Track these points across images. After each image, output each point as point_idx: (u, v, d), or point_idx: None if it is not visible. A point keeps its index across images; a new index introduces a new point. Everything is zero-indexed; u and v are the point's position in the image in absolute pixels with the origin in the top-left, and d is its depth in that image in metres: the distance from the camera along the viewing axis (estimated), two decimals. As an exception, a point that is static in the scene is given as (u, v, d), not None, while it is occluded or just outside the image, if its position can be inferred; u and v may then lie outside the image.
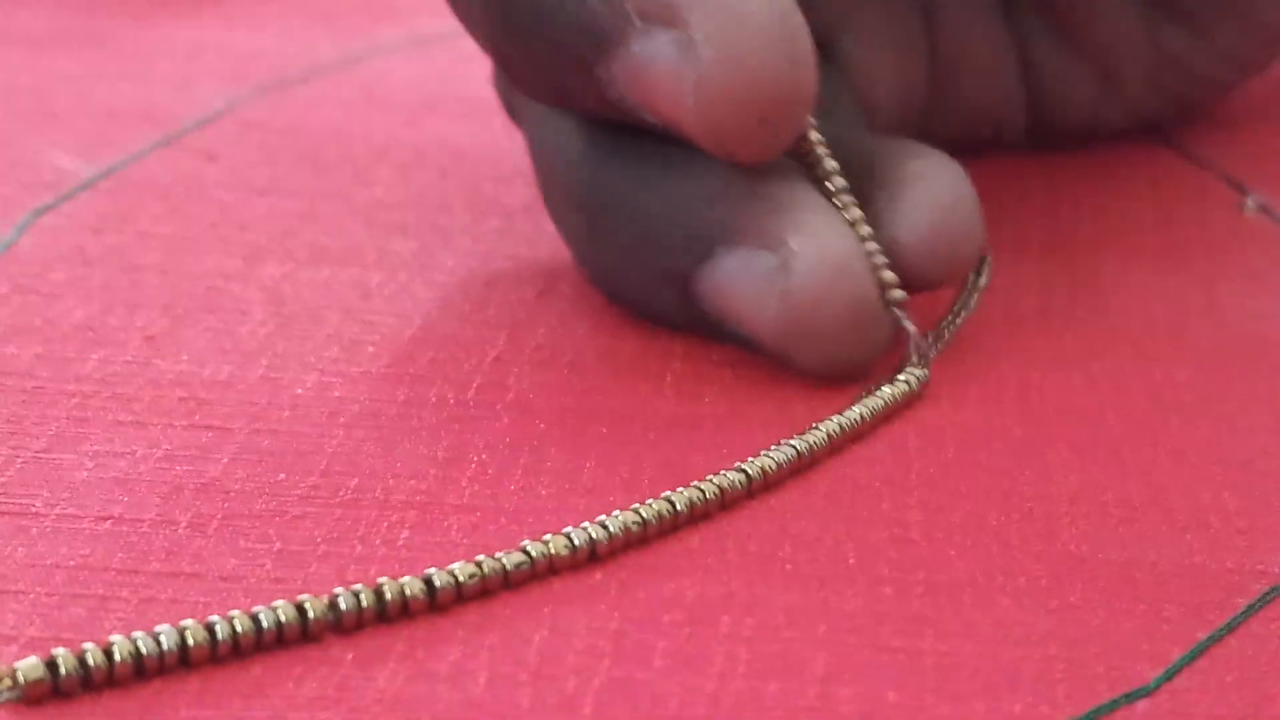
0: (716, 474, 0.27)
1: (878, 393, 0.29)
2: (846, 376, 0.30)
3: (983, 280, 0.33)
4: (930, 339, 0.31)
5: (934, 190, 0.30)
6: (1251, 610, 0.25)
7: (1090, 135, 0.39)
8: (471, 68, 0.40)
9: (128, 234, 0.34)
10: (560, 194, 0.32)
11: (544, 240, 0.35)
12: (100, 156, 0.38)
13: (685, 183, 0.30)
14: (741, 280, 0.29)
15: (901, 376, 0.30)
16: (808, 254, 0.29)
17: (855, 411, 0.29)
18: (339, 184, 0.37)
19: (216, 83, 0.41)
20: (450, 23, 0.32)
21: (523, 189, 0.37)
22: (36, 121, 0.39)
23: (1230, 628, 0.24)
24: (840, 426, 0.29)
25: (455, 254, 0.34)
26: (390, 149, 0.39)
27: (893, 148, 0.32)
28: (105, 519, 0.26)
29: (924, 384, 0.30)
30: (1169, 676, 0.23)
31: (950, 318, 0.32)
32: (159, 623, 0.23)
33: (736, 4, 0.28)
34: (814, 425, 0.28)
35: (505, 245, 0.35)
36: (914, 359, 0.30)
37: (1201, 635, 0.24)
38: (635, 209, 0.31)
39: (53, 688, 0.23)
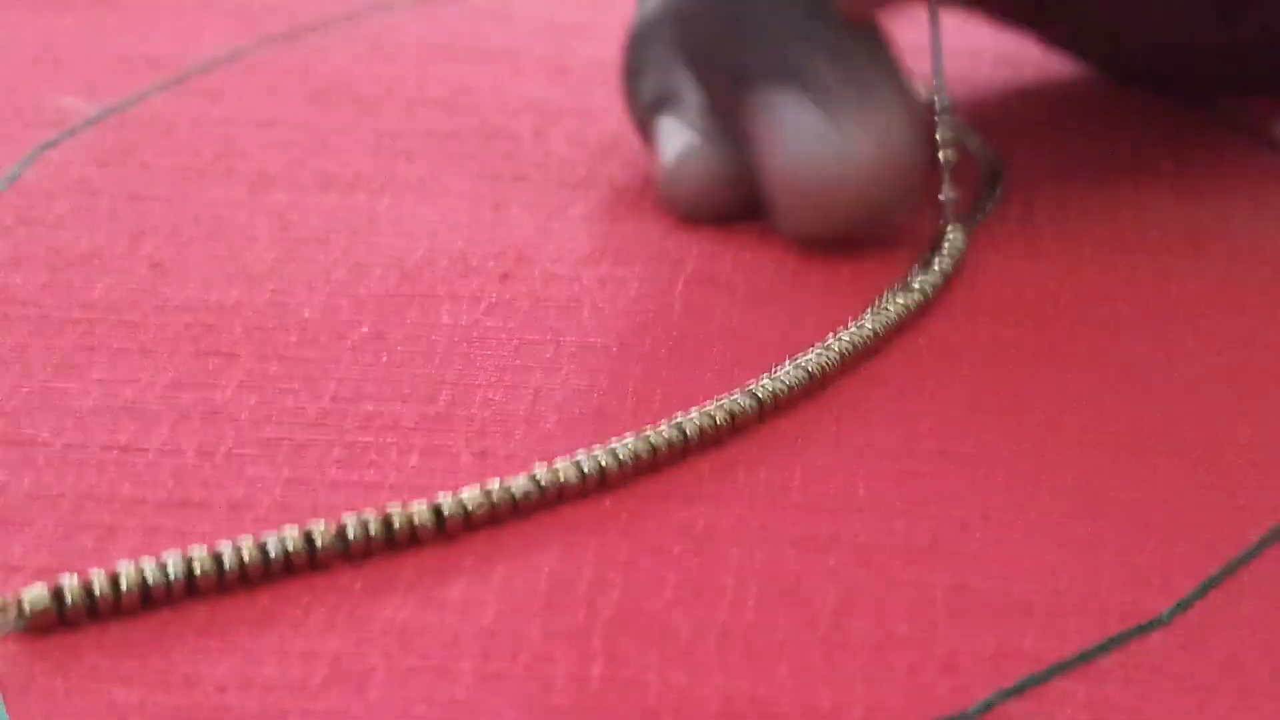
0: (727, 398, 0.27)
1: (888, 305, 0.29)
2: (814, 243, 0.31)
3: (997, 193, 0.32)
4: (944, 234, 0.31)
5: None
6: (1264, 544, 0.24)
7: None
8: (480, 22, 0.40)
9: (132, 166, 0.34)
10: None
11: (553, 164, 0.35)
12: (105, 99, 0.37)
13: (791, 9, 0.31)
14: (789, 125, 0.30)
15: (914, 283, 0.30)
16: (857, 145, 0.30)
17: (868, 326, 0.29)
18: (345, 118, 0.37)
19: (223, 34, 0.41)
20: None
21: (532, 118, 0.37)
22: (43, 70, 0.39)
23: (1243, 561, 0.24)
24: (853, 344, 0.28)
25: (463, 177, 0.34)
26: (397, 90, 0.38)
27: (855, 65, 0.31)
28: (111, 448, 0.26)
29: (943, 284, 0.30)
30: (1182, 609, 0.23)
31: (965, 226, 0.32)
32: (166, 552, 0.23)
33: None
34: (826, 343, 0.28)
35: (513, 167, 0.35)
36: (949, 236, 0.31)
37: (1214, 569, 0.24)
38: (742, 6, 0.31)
39: (59, 616, 0.23)
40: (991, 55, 0.39)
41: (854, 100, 0.30)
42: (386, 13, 0.43)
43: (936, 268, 0.30)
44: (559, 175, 0.34)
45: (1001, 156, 0.35)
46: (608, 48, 0.36)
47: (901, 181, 0.30)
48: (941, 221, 0.31)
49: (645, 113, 0.33)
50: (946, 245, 0.31)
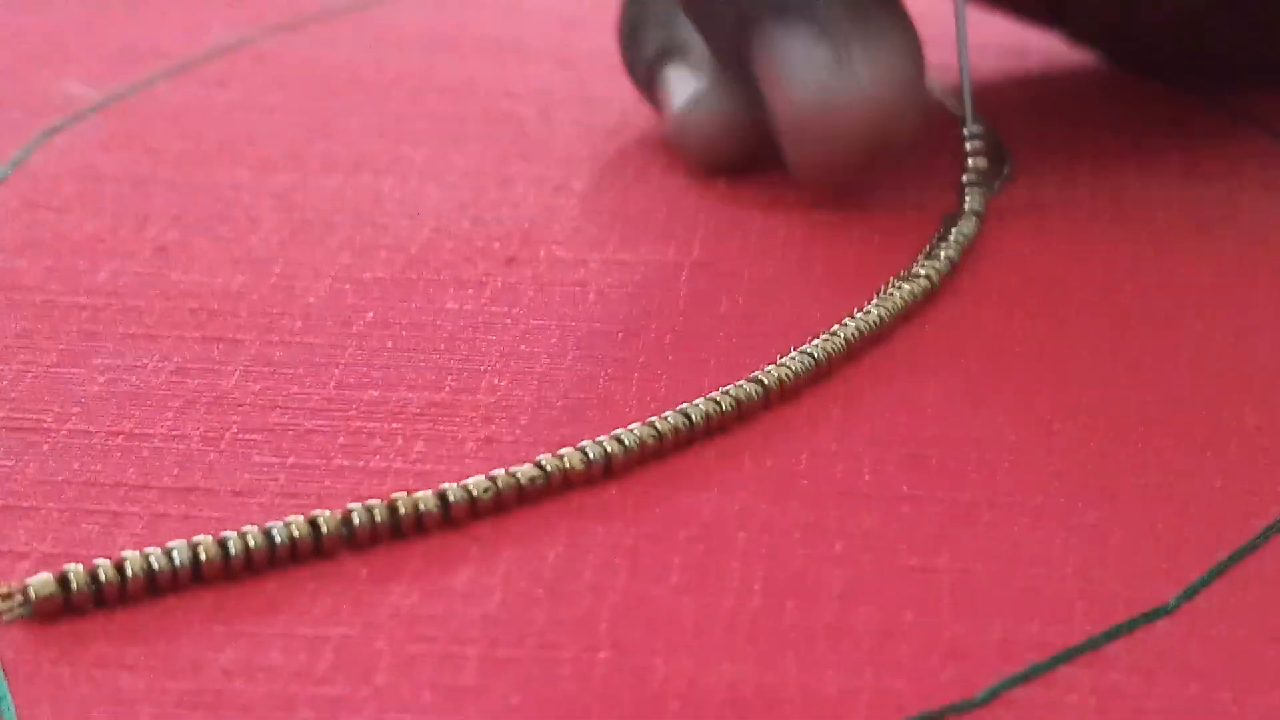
0: (733, 385, 0.27)
1: (894, 292, 0.29)
2: (824, 185, 0.32)
3: (1005, 172, 0.32)
4: (950, 221, 0.31)
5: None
6: (1270, 532, 0.24)
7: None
8: (485, 14, 0.40)
9: (137, 151, 0.34)
10: None
11: (559, 143, 0.35)
12: (111, 87, 0.37)
13: None
14: (795, 61, 0.30)
15: (921, 270, 0.30)
16: (864, 74, 0.30)
17: (874, 313, 0.28)
18: (350, 104, 0.37)
19: (229, 23, 0.41)
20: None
21: (538, 101, 0.37)
22: (48, 59, 0.39)
23: (1249, 549, 0.24)
24: (859, 330, 0.28)
25: (468, 157, 0.34)
26: (402, 78, 0.38)
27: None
28: (117, 434, 0.26)
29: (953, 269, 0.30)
30: (1188, 596, 0.23)
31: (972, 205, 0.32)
32: (172, 538, 0.23)
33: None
34: (832, 330, 0.28)
35: (519, 148, 0.35)
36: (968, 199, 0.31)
37: (1221, 556, 0.24)
38: None
39: (65, 603, 0.23)
40: (996, 47, 0.39)
41: (858, 32, 0.30)
42: (391, 3, 0.43)
43: (943, 255, 0.30)
44: (564, 154, 0.34)
45: (1008, 145, 0.35)
46: (613, 40, 0.36)
47: (909, 110, 0.31)
48: (952, 210, 0.31)
49: (649, 65, 0.33)
50: (954, 233, 0.31)
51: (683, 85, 0.33)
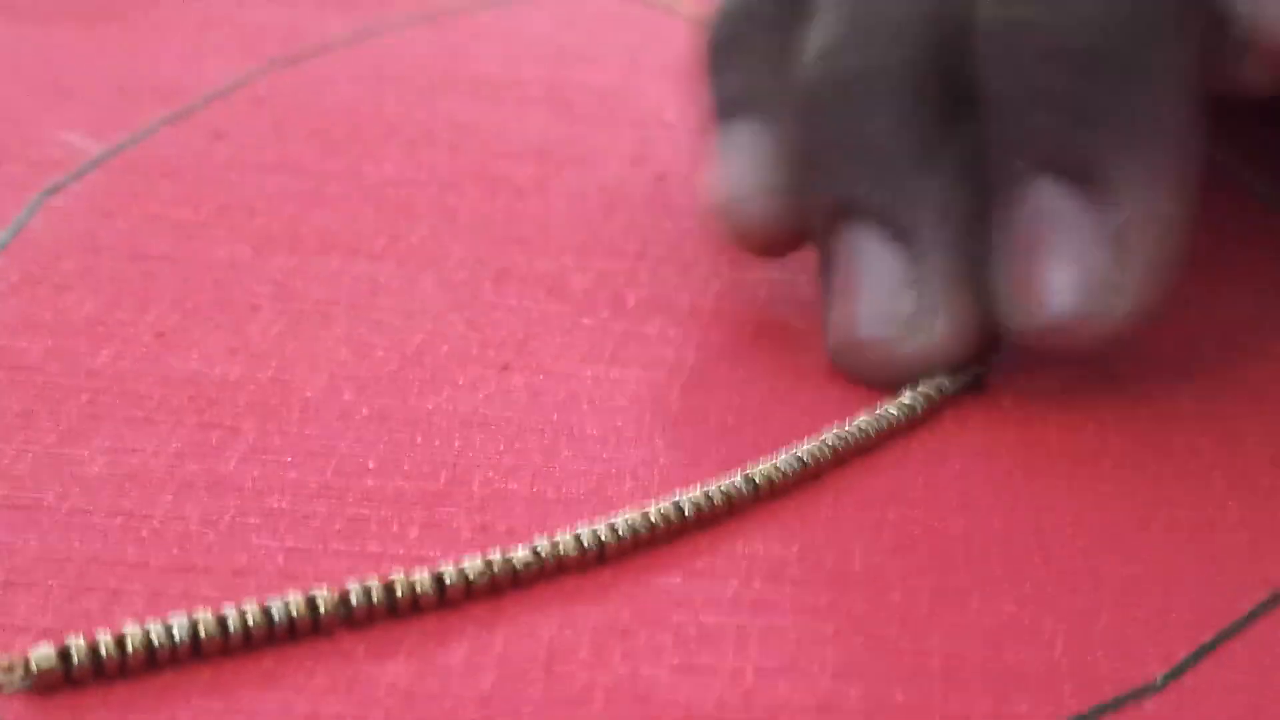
0: (724, 479, 0.27)
1: (884, 408, 0.29)
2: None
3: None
4: None
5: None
6: (1256, 614, 0.25)
7: None
8: (483, 45, 0.40)
9: (136, 218, 0.34)
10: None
11: (554, 222, 0.35)
12: (110, 133, 0.37)
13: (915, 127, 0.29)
14: (871, 295, 0.29)
15: (908, 400, 0.30)
16: (939, 339, 0.29)
17: (862, 423, 0.29)
18: (348, 162, 0.37)
19: (227, 58, 0.41)
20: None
21: (533, 165, 0.37)
22: (46, 97, 0.39)
23: (1237, 629, 0.24)
24: (845, 439, 0.29)
25: (463, 242, 0.34)
26: (400, 127, 0.38)
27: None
28: (116, 514, 0.26)
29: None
30: (1176, 675, 0.24)
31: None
32: (171, 613, 0.23)
33: None
34: (821, 435, 0.28)
35: (514, 229, 0.35)
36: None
37: (1207, 637, 0.24)
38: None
39: (65, 676, 0.23)
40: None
41: (951, 274, 0.29)
42: (388, 34, 0.43)
43: (931, 390, 0.30)
44: (560, 241, 0.34)
45: None
46: (609, 75, 0.36)
47: (965, 355, 0.29)
48: None
49: (717, 110, 0.31)
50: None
51: (739, 155, 0.30)
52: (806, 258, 0.32)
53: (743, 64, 0.31)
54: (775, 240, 0.31)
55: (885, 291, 0.29)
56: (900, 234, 0.29)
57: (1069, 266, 0.28)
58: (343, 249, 0.34)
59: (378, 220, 0.35)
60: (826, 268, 0.30)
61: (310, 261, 0.33)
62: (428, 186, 0.36)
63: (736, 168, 0.30)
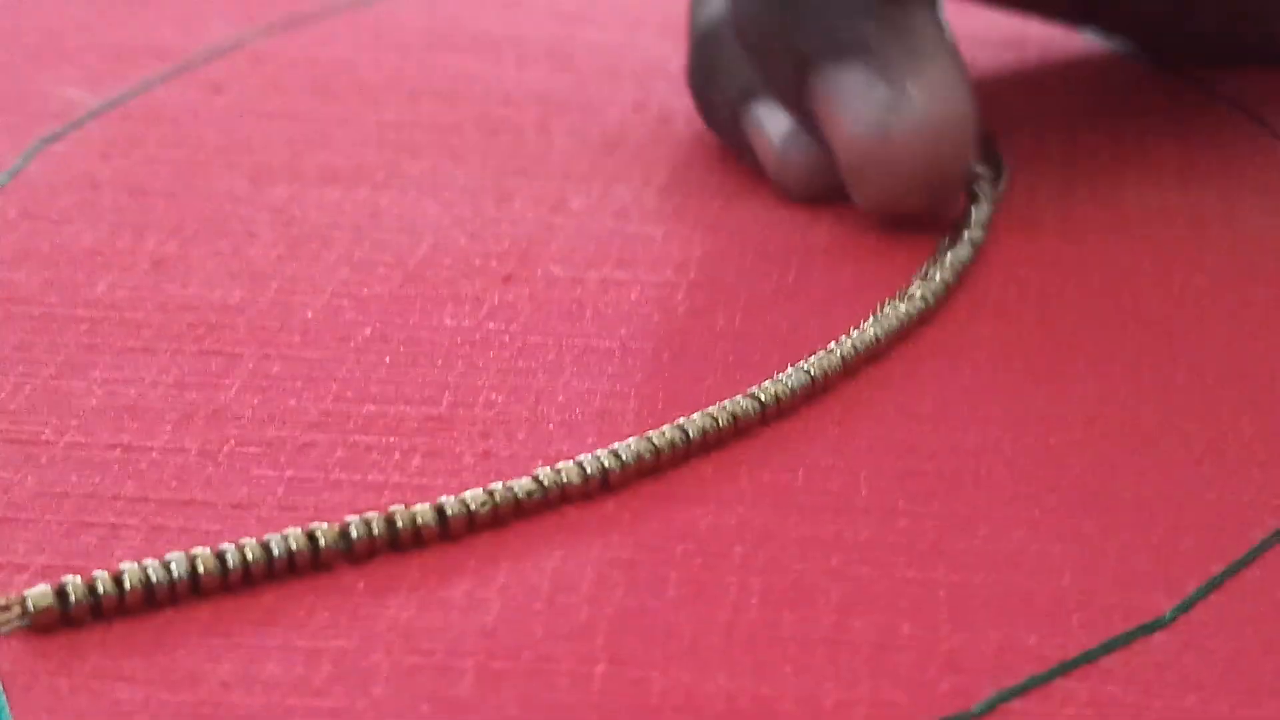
0: (730, 400, 0.27)
1: (891, 311, 0.29)
2: (891, 220, 0.32)
3: (1001, 187, 0.33)
4: (945, 240, 0.31)
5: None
6: (1267, 545, 0.24)
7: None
8: (483, 6, 0.40)
9: (135, 159, 0.34)
10: None
11: (556, 156, 0.35)
12: (108, 90, 0.37)
13: None
14: (853, 97, 0.31)
15: (916, 289, 0.30)
16: (921, 105, 0.31)
17: (870, 331, 0.29)
18: (348, 110, 0.37)
19: (226, 21, 0.41)
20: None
21: (535, 109, 0.36)
22: (45, 59, 0.39)
23: (1246, 562, 0.24)
24: (855, 348, 0.28)
25: (466, 171, 0.34)
26: (400, 79, 0.38)
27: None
28: (114, 446, 0.26)
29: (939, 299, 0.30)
30: (1185, 609, 0.23)
31: (966, 225, 0.32)
32: (169, 551, 0.23)
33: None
34: (829, 347, 0.28)
35: (516, 161, 0.35)
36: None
37: (1217, 569, 0.24)
38: None
39: (62, 616, 0.23)
40: (997, 39, 0.39)
41: (912, 67, 0.31)
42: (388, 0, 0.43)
43: (939, 277, 0.30)
44: (562, 169, 0.34)
45: (1003, 145, 0.35)
46: (610, 33, 0.36)
47: (965, 138, 0.31)
48: (946, 238, 0.31)
49: (734, 106, 0.34)
50: (949, 256, 0.31)
51: (775, 122, 0.33)
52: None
53: (731, 69, 0.34)
54: (826, 184, 0.33)
55: (865, 95, 0.31)
56: (851, 49, 0.31)
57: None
58: (343, 180, 0.34)
59: (379, 156, 0.35)
60: (814, 127, 0.32)
61: (310, 190, 0.33)
62: (429, 130, 0.36)
63: (778, 140, 0.33)
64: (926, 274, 0.30)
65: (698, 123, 0.35)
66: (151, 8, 0.42)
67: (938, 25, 0.32)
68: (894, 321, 0.29)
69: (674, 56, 0.38)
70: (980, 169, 0.33)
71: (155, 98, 0.37)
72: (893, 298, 0.30)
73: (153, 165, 0.34)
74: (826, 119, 0.32)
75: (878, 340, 0.29)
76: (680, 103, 0.37)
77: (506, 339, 0.29)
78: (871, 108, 0.31)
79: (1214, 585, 0.24)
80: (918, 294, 0.30)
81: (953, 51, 0.32)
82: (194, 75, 0.38)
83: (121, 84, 0.37)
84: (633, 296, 0.30)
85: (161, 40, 0.39)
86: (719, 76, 0.34)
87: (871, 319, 0.29)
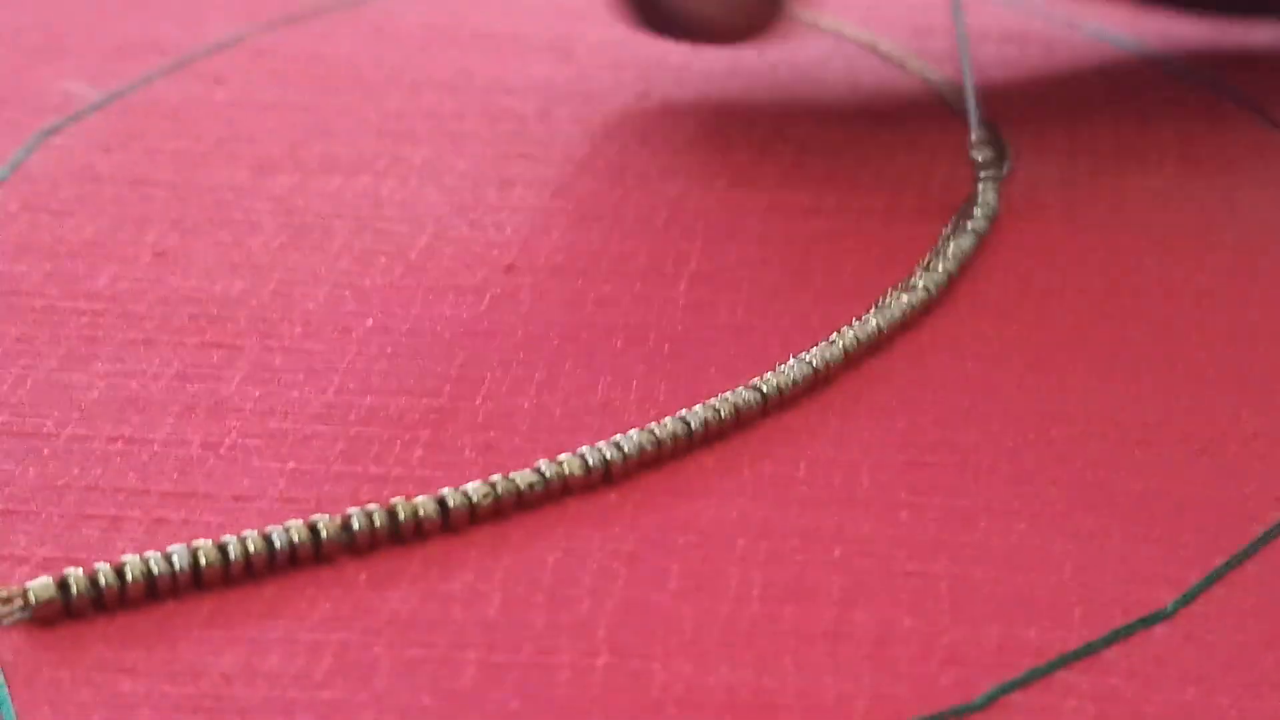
0: (731, 392, 0.27)
1: (893, 301, 0.29)
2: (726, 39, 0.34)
3: (1004, 171, 0.33)
4: (948, 230, 0.31)
5: None
6: (1268, 537, 0.24)
7: None
8: (484, 5, 0.40)
9: (136, 152, 0.34)
10: None
11: (558, 143, 0.35)
12: (109, 83, 0.37)
13: None
14: None
15: (918, 280, 0.30)
16: None
17: (872, 322, 0.29)
18: (349, 101, 0.37)
19: (227, 16, 0.41)
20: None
21: (537, 97, 0.36)
22: (47, 52, 0.39)
23: (1248, 554, 0.24)
24: (857, 339, 0.28)
25: (467, 158, 0.34)
26: (401, 73, 0.38)
27: None
28: (116, 439, 0.26)
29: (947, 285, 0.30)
30: (1187, 601, 0.23)
31: (969, 215, 0.32)
32: (171, 543, 0.23)
33: None
34: (830, 338, 0.28)
35: (518, 147, 0.35)
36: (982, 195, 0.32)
37: (1219, 561, 0.24)
38: None
39: (64, 608, 0.23)
40: (1000, 33, 0.39)
41: None
42: None
43: (941, 268, 0.30)
44: (564, 154, 0.34)
45: (1007, 136, 0.35)
46: (612, 29, 0.36)
47: None
48: (948, 227, 0.31)
49: None
50: (952, 246, 0.31)
51: None
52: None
53: None
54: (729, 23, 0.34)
55: None
56: None
57: None
58: (344, 169, 0.33)
59: (380, 145, 0.35)
60: None
61: (311, 180, 0.33)
62: (430, 119, 0.36)
63: None
64: (929, 264, 0.30)
65: (703, 113, 0.35)
66: (153, 3, 0.42)
67: None
68: (896, 312, 0.29)
69: (676, 51, 0.38)
70: (984, 158, 0.33)
71: (156, 91, 0.37)
72: (895, 288, 0.30)
73: (154, 157, 0.34)
74: None
75: (880, 331, 0.29)
76: (683, 93, 0.37)
77: (507, 330, 0.29)
78: None
79: (1216, 578, 0.24)
80: (920, 284, 0.30)
81: None
82: (195, 69, 0.38)
83: (122, 78, 0.37)
84: (635, 287, 0.30)
85: (163, 35, 0.39)
86: None
87: (874, 310, 0.29)
